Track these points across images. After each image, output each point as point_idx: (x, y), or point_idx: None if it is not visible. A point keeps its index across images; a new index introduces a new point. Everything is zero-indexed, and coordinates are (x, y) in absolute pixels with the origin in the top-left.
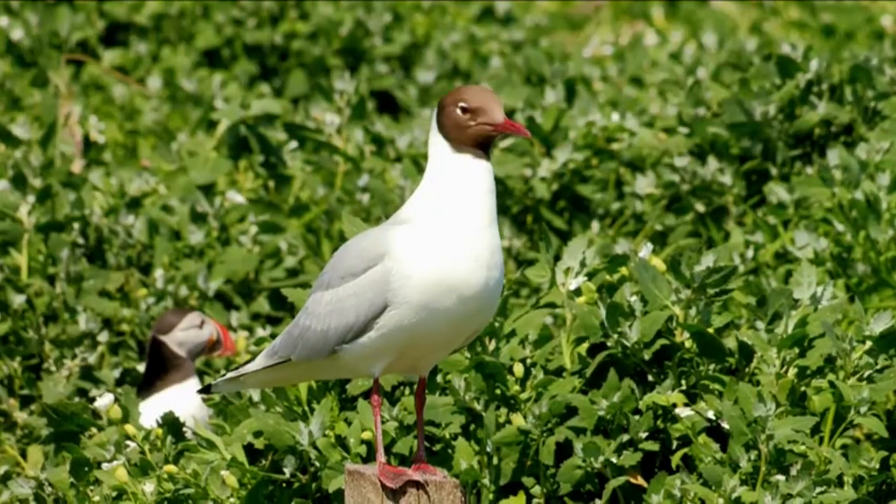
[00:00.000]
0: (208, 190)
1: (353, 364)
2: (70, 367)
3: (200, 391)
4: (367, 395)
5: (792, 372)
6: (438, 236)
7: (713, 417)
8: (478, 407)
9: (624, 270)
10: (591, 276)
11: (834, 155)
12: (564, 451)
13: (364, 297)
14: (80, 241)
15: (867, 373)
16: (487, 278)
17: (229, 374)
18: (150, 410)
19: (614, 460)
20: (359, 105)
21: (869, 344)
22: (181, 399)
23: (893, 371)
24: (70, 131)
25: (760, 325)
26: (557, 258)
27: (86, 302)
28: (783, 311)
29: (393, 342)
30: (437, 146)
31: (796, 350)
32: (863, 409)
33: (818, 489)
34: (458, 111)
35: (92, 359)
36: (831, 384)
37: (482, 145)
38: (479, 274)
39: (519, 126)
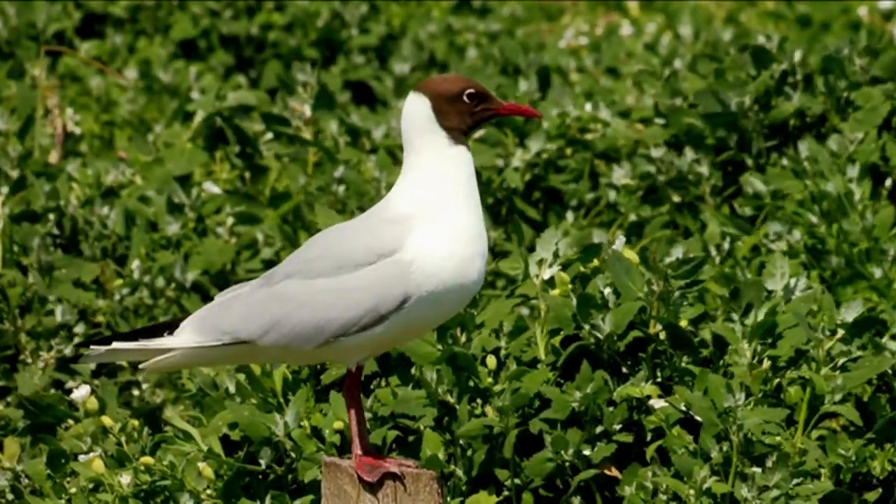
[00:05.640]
0: (185, 181)
1: (341, 355)
2: (46, 358)
3: (70, 360)
4: (341, 386)
5: (767, 363)
6: (456, 233)
7: (686, 409)
8: (451, 399)
9: (597, 262)
10: (565, 266)
11: (804, 147)
12: (540, 443)
13: (375, 292)
14: (56, 231)
15: (841, 361)
16: (483, 273)
17: (127, 345)
18: None
19: (587, 452)
20: (321, 96)
21: (841, 332)
22: None
23: (867, 360)
24: (52, 124)
25: (735, 316)
26: (532, 249)
27: (59, 292)
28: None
29: (394, 336)
30: (433, 137)
31: (768, 340)
32: (836, 398)
33: (794, 480)
34: (466, 99)
35: (68, 350)
36: (801, 376)
37: (467, 133)
38: (482, 270)
39: (526, 108)
